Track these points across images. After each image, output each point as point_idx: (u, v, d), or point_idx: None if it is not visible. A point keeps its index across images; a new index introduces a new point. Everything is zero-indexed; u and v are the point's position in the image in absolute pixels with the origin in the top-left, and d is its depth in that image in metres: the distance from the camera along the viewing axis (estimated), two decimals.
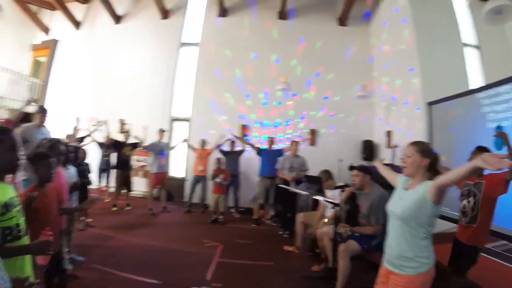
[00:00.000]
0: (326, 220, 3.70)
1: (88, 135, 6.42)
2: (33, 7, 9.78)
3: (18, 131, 3.25)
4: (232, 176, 6.26)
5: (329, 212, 3.72)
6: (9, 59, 8.98)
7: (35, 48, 10.41)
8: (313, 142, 7.20)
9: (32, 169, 2.19)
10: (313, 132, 7.23)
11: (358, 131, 7.19)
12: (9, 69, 8.59)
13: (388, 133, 6.42)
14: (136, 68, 8.45)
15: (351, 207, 3.26)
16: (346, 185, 3.32)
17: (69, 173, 3.18)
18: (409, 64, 5.87)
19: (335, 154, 6.70)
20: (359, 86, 6.87)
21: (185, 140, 6.83)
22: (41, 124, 3.81)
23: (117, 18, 9.00)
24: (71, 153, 3.12)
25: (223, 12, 7.89)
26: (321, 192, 4.03)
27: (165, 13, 8.42)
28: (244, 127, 7.38)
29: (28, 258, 1.69)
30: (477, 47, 6.62)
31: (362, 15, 7.56)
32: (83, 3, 9.55)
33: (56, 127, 4.48)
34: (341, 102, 7.31)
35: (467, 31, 6.56)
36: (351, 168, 3.20)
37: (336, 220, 3.04)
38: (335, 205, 3.08)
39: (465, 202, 2.69)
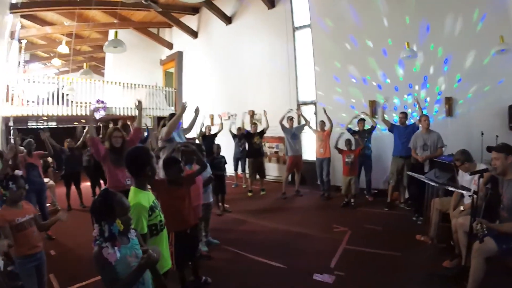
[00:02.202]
0: (462, 208, 3.16)
1: (221, 130, 7.32)
2: (153, 30, 11.98)
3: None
4: (363, 156, 5.96)
5: (467, 200, 3.15)
6: (144, 76, 11.59)
7: (163, 62, 12.85)
8: (450, 113, 5.93)
9: (165, 171, 2.65)
10: (449, 101, 5.94)
11: (503, 95, 5.32)
12: (146, 85, 10.93)
13: None
14: (256, 60, 8.98)
15: (491, 196, 2.64)
16: (485, 170, 2.71)
17: None
18: None
19: (476, 125, 5.35)
20: (496, 39, 4.98)
21: (307, 121, 6.72)
22: None
23: (228, 19, 9.79)
24: (203, 151, 3.56)
25: None
26: (453, 182, 3.41)
27: (271, 3, 8.56)
28: (372, 104, 6.81)
29: (165, 246, 2.17)
30: None
31: None
32: (193, 14, 10.86)
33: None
34: (478, 62, 5.60)
35: None
36: (489, 149, 2.61)
37: (473, 211, 2.51)
38: (473, 193, 2.57)
39: None
